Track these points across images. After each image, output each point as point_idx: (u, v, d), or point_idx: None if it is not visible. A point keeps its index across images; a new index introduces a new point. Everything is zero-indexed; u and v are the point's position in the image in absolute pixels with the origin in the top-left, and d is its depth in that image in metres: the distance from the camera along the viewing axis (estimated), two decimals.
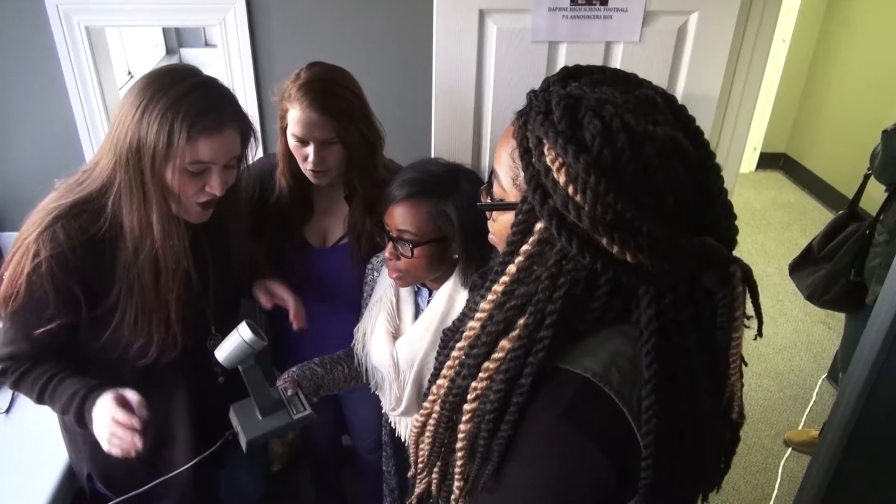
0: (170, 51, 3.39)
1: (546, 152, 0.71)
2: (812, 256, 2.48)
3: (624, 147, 0.67)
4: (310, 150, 1.48)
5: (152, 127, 1.15)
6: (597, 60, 1.82)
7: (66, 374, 1.29)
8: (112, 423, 1.20)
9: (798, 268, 2.53)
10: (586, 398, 0.73)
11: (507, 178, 0.81)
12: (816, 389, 3.18)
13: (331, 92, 1.46)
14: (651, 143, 0.68)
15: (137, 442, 1.18)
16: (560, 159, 0.69)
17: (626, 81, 0.79)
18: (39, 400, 1.31)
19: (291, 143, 1.51)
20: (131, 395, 1.23)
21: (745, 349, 0.80)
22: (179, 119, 1.15)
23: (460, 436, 0.82)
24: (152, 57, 3.17)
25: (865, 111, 4.53)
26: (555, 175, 0.70)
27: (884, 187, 2.28)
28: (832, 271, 2.36)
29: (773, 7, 1.89)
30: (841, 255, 2.35)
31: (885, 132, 2.19)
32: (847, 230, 2.39)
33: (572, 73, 0.80)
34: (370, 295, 1.60)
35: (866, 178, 2.35)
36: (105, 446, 1.22)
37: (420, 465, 0.95)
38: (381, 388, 1.55)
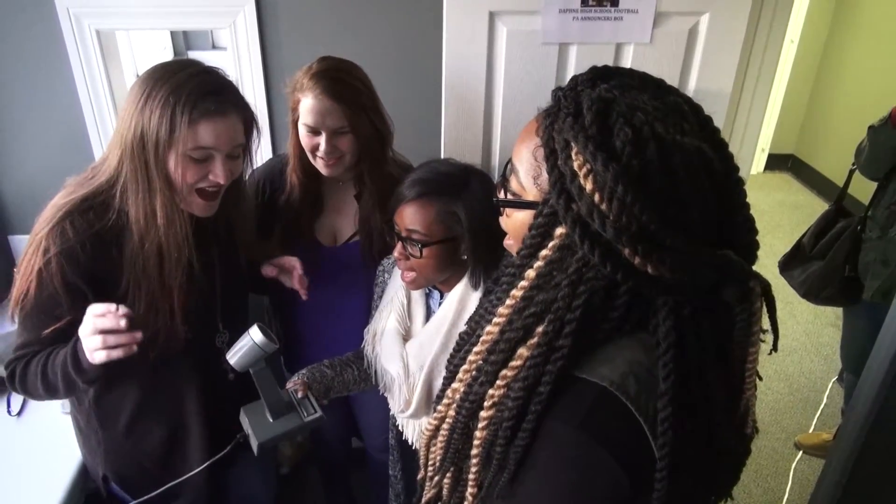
0: (177, 53, 3.41)
1: (574, 156, 0.69)
2: (802, 254, 2.49)
3: (653, 157, 0.66)
4: (321, 139, 1.50)
5: (155, 113, 1.15)
6: (607, 62, 1.81)
7: (62, 346, 1.24)
8: (94, 319, 1.12)
9: (788, 265, 2.54)
10: (603, 408, 0.72)
11: (528, 176, 0.79)
12: (827, 392, 3.16)
13: (342, 81, 1.48)
14: (679, 154, 0.67)
15: (135, 334, 1.12)
16: (588, 165, 0.68)
17: (655, 87, 0.77)
18: (45, 383, 1.25)
19: (303, 133, 1.52)
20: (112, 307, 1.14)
21: None
22: (181, 104, 1.15)
23: (476, 442, 0.81)
24: (160, 60, 3.18)
25: (874, 112, 4.46)
26: (581, 181, 0.68)
27: (870, 181, 2.29)
28: (827, 269, 2.37)
29: (785, 8, 1.88)
30: (834, 253, 2.36)
31: (871, 128, 2.21)
32: (837, 226, 2.40)
33: (602, 74, 0.78)
34: (381, 297, 1.60)
35: (851, 173, 2.36)
36: (101, 357, 1.13)
37: (431, 470, 0.94)
38: (390, 391, 1.54)
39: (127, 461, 1.47)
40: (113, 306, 1.12)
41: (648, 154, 0.67)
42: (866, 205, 2.31)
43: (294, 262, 1.54)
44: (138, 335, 1.13)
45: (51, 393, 1.28)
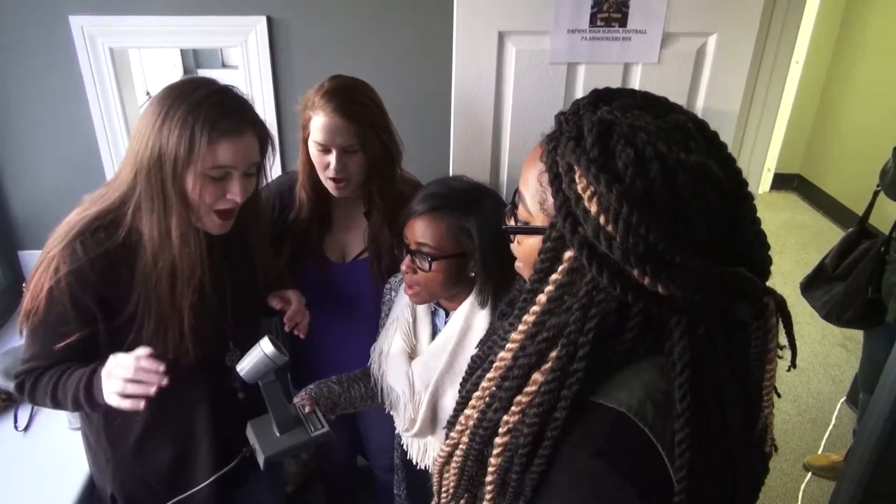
0: (187, 72, 3.45)
1: (577, 180, 0.69)
2: (825, 275, 2.47)
3: (657, 177, 0.66)
4: (331, 157, 1.51)
5: (173, 133, 1.16)
6: (615, 82, 1.83)
7: (77, 367, 1.28)
8: (131, 361, 1.17)
9: (811, 287, 2.52)
10: (621, 434, 0.72)
11: (534, 201, 0.79)
12: (836, 413, 3.14)
13: (353, 99, 1.50)
14: (684, 173, 0.67)
15: (160, 377, 1.16)
16: (592, 188, 0.68)
17: (657, 106, 0.77)
18: (53, 400, 1.29)
19: (313, 151, 1.53)
20: (138, 350, 1.20)
21: None
22: (200, 123, 1.16)
23: (490, 469, 0.80)
24: (170, 78, 3.22)
25: (880, 132, 4.52)
26: (586, 204, 0.68)
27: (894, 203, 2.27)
28: (849, 290, 2.35)
29: (791, 29, 1.90)
30: (857, 274, 2.34)
31: None
32: (860, 248, 2.38)
33: (602, 96, 0.78)
34: (387, 315, 1.60)
35: (876, 194, 2.35)
36: (119, 401, 1.19)
37: (444, 497, 0.93)
38: (395, 409, 1.54)
39: (135, 480, 1.46)
40: (156, 365, 1.17)
41: (652, 174, 0.66)
42: (881, 227, 2.29)
43: (292, 296, 1.54)
44: (162, 378, 1.17)
45: (57, 408, 1.33)
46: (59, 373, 1.28)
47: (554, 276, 0.74)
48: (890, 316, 2.21)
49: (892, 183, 2.21)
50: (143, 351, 1.18)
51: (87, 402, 1.24)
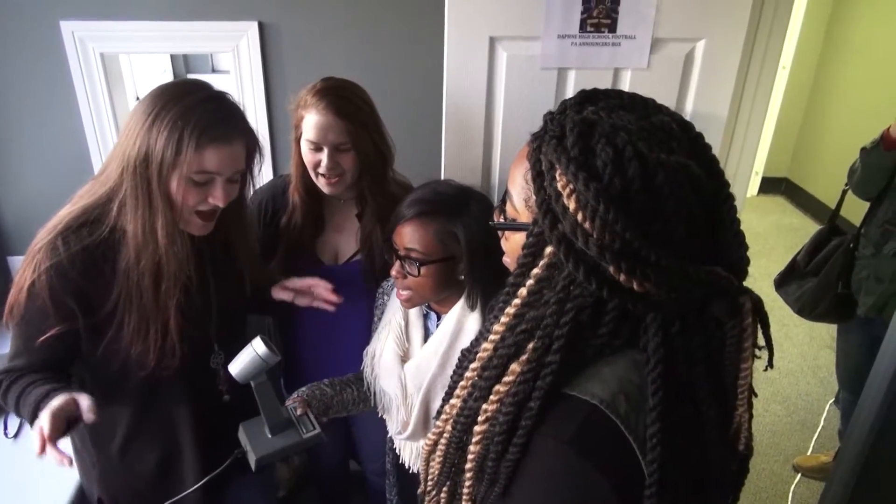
0: (177, 76, 3.46)
1: (557, 177, 0.71)
2: (798, 271, 2.53)
3: (635, 176, 0.68)
4: (323, 155, 1.52)
5: (162, 135, 1.16)
6: (605, 86, 1.81)
7: (47, 381, 1.23)
8: (50, 416, 1.10)
9: (784, 282, 2.57)
10: (593, 425, 0.73)
11: (520, 198, 0.82)
12: (824, 414, 3.16)
13: (345, 98, 1.52)
14: (663, 173, 0.68)
15: (63, 459, 1.10)
16: (570, 186, 0.69)
17: (643, 107, 0.79)
18: (16, 411, 1.24)
19: (305, 150, 1.54)
20: (83, 399, 1.14)
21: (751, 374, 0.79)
22: (189, 128, 1.17)
23: (470, 457, 0.82)
24: (160, 82, 3.21)
25: (866, 135, 4.51)
26: (565, 201, 0.70)
27: (862, 201, 2.34)
28: (820, 285, 2.41)
29: (779, 34, 1.92)
30: (828, 269, 2.40)
31: (863, 149, 2.27)
32: (831, 244, 2.44)
33: (589, 97, 0.80)
34: (380, 318, 1.60)
35: (844, 192, 2.42)
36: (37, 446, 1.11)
37: (430, 485, 0.95)
38: (388, 412, 1.54)
39: (121, 484, 1.46)
40: (50, 442, 1.09)
41: (630, 173, 0.68)
42: (856, 224, 2.36)
43: (312, 282, 1.54)
44: (65, 461, 1.10)
45: (26, 419, 1.26)
46: (25, 385, 1.24)
47: (535, 271, 0.76)
48: (861, 309, 2.27)
49: (860, 181, 2.28)
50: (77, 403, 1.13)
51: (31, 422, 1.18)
